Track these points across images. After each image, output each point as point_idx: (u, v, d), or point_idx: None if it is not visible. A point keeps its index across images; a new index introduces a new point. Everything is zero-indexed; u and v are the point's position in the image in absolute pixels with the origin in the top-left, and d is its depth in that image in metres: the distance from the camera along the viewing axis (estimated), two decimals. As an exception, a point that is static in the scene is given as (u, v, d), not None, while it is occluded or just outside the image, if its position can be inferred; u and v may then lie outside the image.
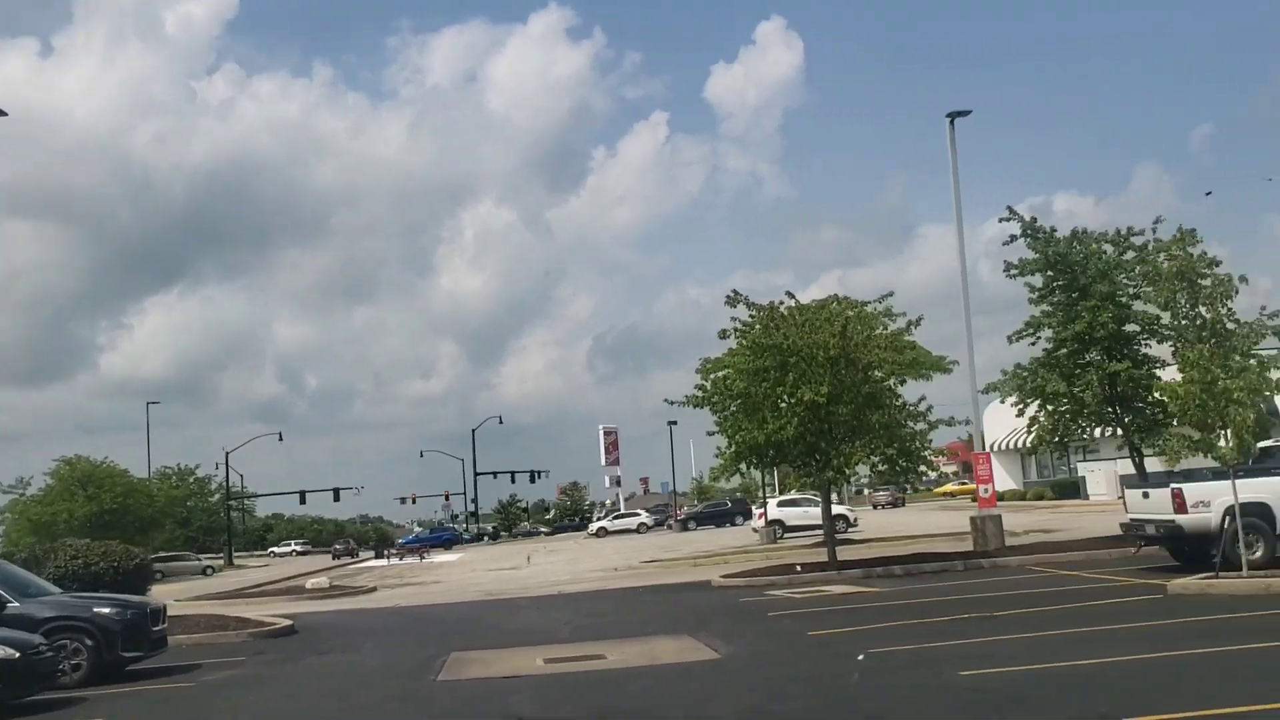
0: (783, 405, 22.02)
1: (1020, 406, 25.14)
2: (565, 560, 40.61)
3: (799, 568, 22.97)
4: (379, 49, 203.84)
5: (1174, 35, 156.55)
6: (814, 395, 21.05)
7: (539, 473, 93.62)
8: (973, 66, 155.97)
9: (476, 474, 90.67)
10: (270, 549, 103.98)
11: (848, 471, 23.42)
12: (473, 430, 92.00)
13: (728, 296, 23.00)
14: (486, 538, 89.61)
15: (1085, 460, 53.02)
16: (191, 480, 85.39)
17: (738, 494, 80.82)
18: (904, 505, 78.91)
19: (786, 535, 41.13)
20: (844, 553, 24.48)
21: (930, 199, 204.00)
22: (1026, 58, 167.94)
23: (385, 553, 64.45)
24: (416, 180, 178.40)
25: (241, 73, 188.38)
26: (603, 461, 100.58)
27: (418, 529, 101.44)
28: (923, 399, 23.27)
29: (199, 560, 65.15)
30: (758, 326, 22.63)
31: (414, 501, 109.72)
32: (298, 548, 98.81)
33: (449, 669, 12.90)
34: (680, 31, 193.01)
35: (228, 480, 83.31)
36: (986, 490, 24.99)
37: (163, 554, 65.19)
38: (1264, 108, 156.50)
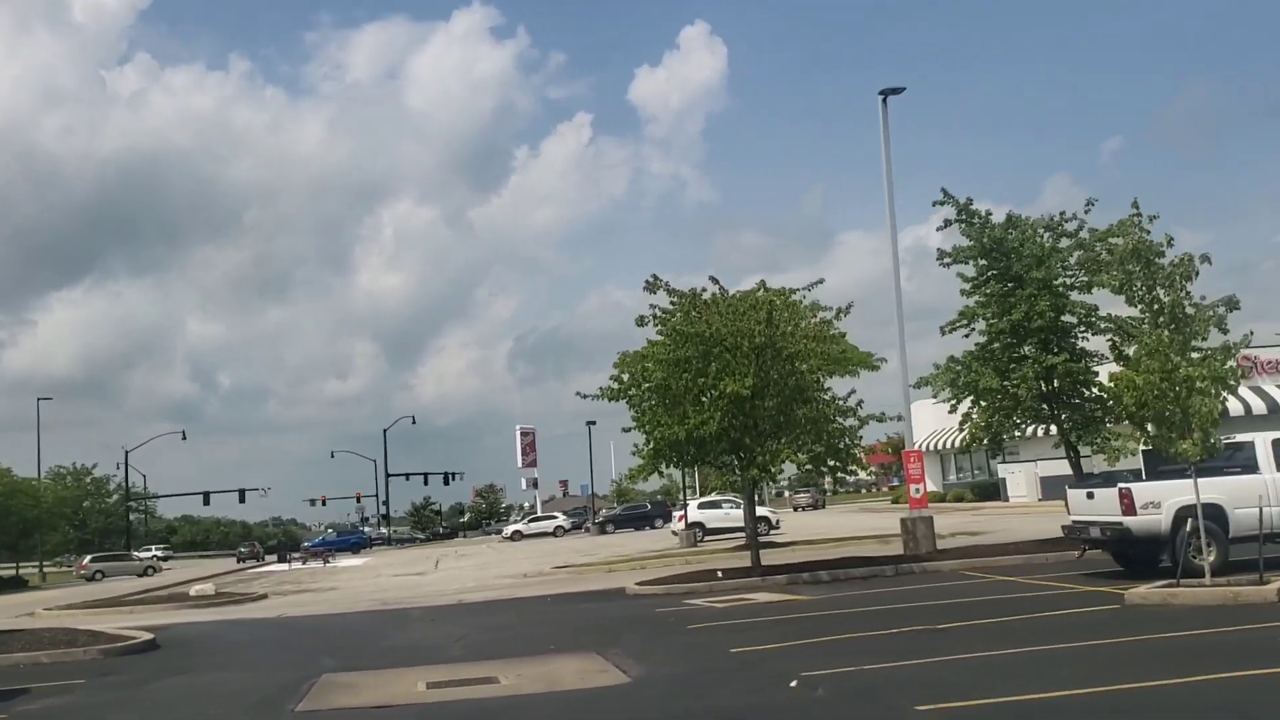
0: (705, 399, 20.43)
1: (953, 403, 23.93)
2: (474, 566, 38.57)
3: (720, 574, 21.46)
4: (298, 43, 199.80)
5: (1087, 49, 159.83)
6: (738, 387, 19.48)
7: (453, 474, 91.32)
8: (891, 75, 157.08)
9: (388, 475, 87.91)
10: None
11: (773, 470, 21.86)
12: (384, 430, 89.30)
13: (647, 281, 21.30)
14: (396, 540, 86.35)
15: (1005, 462, 52.50)
16: (88, 480, 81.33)
17: (658, 496, 79.42)
18: (824, 507, 78.35)
19: (707, 538, 39.74)
20: (767, 556, 23.00)
21: (850, 206, 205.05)
22: (945, 69, 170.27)
23: (288, 556, 61.58)
24: (335, 177, 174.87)
25: (154, 63, 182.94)
26: (519, 463, 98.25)
27: (329, 531, 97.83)
28: (852, 392, 21.90)
29: (139, 560, 62.36)
30: (678, 314, 21.00)
31: (324, 503, 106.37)
32: (159, 553, 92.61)
33: (313, 696, 10.96)
34: (605, 33, 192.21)
35: (127, 480, 79.56)
36: (918, 490, 23.68)
37: (103, 554, 63.37)
38: (1171, 122, 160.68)
